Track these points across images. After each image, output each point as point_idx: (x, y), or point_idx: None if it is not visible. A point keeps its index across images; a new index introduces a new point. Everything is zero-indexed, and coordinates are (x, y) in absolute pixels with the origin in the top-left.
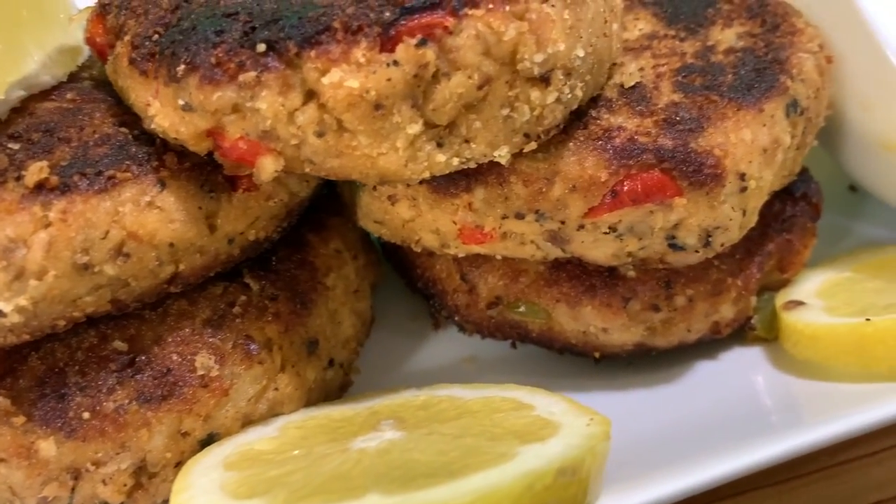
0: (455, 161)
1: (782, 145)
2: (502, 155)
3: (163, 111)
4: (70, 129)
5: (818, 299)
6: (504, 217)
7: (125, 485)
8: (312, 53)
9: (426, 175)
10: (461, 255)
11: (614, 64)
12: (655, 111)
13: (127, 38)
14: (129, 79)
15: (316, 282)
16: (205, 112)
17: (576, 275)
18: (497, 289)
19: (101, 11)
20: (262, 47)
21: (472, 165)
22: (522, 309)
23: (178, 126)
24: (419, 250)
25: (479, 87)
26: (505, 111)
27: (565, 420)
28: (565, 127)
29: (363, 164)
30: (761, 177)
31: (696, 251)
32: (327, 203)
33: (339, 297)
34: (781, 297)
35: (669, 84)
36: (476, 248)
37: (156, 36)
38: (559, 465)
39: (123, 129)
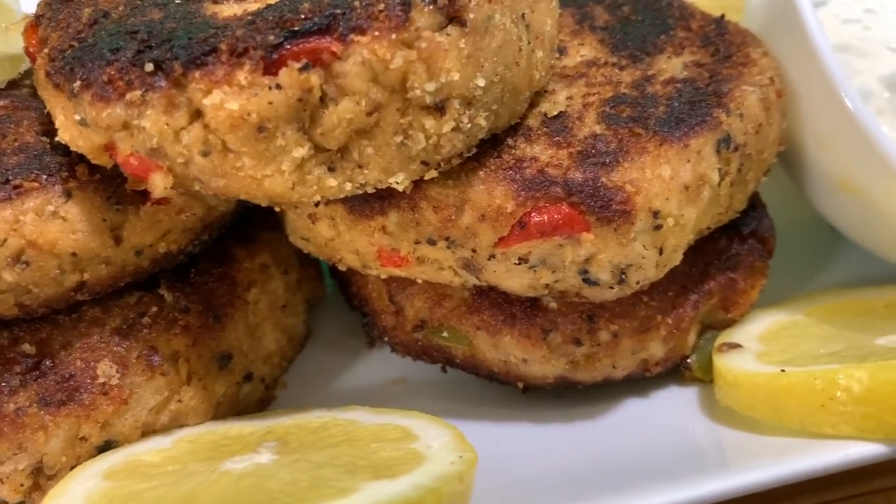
0: (348, 186)
1: (709, 182)
2: (399, 182)
3: (65, 124)
4: None
5: (759, 343)
6: (417, 242)
7: (22, 484)
8: (197, 74)
9: (317, 198)
10: (383, 276)
11: (546, 91)
12: (573, 142)
13: (46, 50)
14: (45, 90)
15: (234, 296)
16: (98, 128)
17: (498, 303)
18: (422, 312)
19: (34, 22)
20: (149, 67)
21: (370, 190)
22: (445, 334)
23: (77, 140)
24: (344, 269)
25: (369, 114)
26: (398, 138)
27: (435, 455)
28: (479, 154)
29: (248, 185)
30: (682, 214)
31: (612, 287)
32: (262, 216)
33: (262, 312)
34: (721, 338)
35: (595, 115)
36: (396, 271)
37: (70, 50)
38: None
39: (44, 139)
